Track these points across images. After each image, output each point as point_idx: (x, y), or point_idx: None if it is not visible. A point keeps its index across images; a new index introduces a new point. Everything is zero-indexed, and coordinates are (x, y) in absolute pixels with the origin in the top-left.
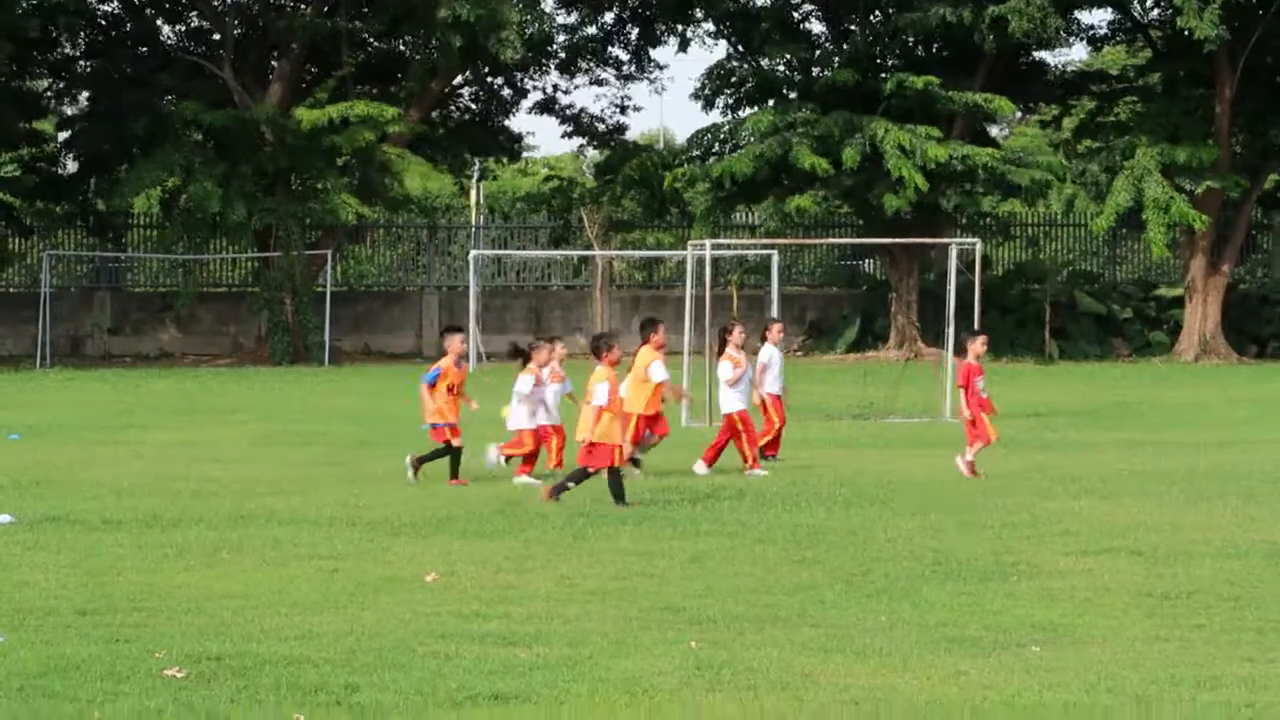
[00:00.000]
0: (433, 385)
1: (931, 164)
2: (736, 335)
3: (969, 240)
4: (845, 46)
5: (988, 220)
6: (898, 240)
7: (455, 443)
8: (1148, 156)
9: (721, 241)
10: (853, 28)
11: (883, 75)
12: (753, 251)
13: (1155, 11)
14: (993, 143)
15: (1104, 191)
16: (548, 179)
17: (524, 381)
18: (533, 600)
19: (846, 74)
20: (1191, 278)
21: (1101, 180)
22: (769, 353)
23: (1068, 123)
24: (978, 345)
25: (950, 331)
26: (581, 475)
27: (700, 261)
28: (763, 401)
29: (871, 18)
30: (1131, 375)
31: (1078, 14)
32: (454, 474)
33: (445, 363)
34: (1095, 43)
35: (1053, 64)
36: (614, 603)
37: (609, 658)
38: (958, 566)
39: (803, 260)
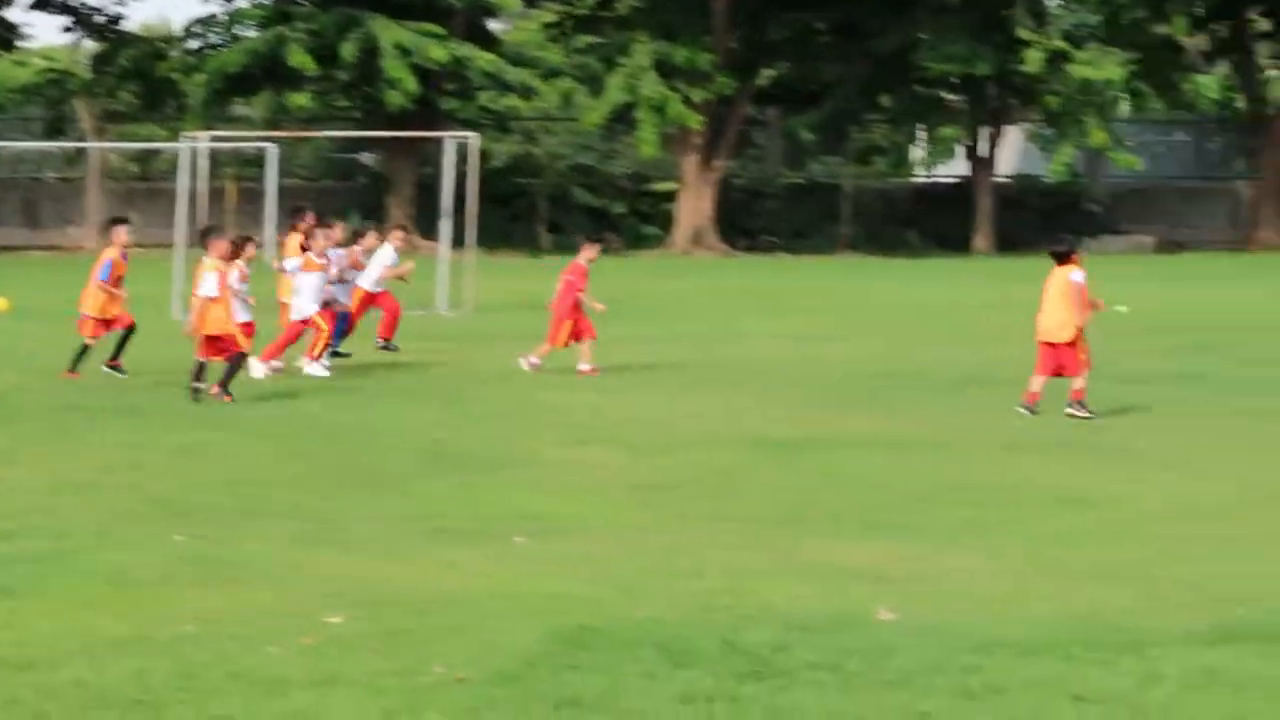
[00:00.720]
0: (108, 279)
1: (431, 64)
2: (336, 233)
3: (467, 134)
4: None
5: (486, 115)
6: (397, 134)
7: (121, 325)
8: (644, 53)
9: (218, 134)
10: None
11: None
12: (250, 145)
13: None
14: (493, 39)
15: (602, 88)
16: (43, 70)
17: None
18: (15, 495)
19: None
20: (684, 172)
21: (601, 75)
22: (389, 254)
23: (566, 17)
24: (591, 252)
25: (445, 224)
26: (236, 365)
27: (195, 154)
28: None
29: None
30: (624, 269)
31: None
32: (73, 367)
33: (114, 254)
34: None
35: None
36: (100, 496)
37: (92, 550)
38: (451, 458)
39: (300, 154)
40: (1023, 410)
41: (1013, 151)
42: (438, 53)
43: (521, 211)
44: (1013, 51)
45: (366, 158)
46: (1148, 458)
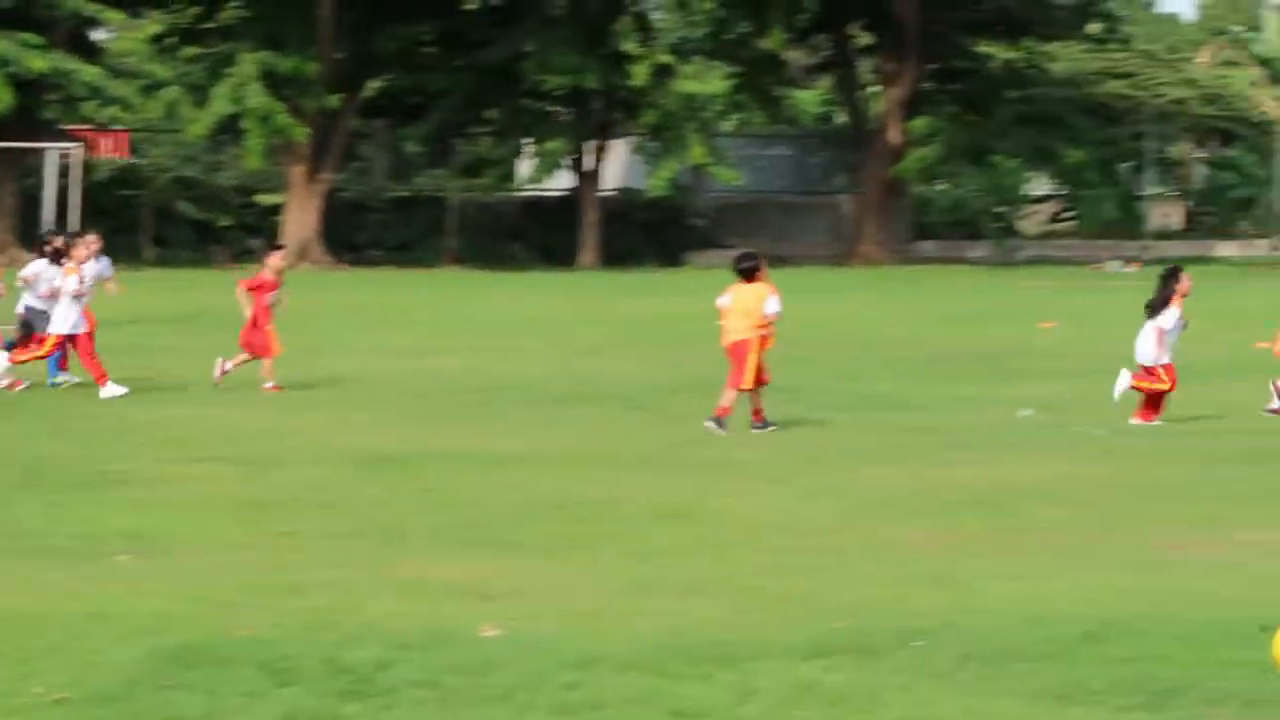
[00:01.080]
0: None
1: (31, 74)
2: (89, 247)
3: (70, 145)
4: None
5: (89, 126)
6: None
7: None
8: (250, 64)
9: None
10: None
11: None
12: None
13: None
14: (97, 49)
15: (208, 99)
16: None
17: (70, 281)
18: None
19: None
20: (291, 185)
21: (206, 86)
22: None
23: (172, 29)
24: (276, 259)
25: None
26: None
27: None
28: None
29: None
30: (230, 283)
31: None
32: None
33: None
34: None
35: None
36: None
37: None
38: (52, 475)
39: None
40: (716, 428)
41: (618, 165)
42: (38, 63)
43: (125, 224)
44: (619, 65)
45: None
46: (749, 471)
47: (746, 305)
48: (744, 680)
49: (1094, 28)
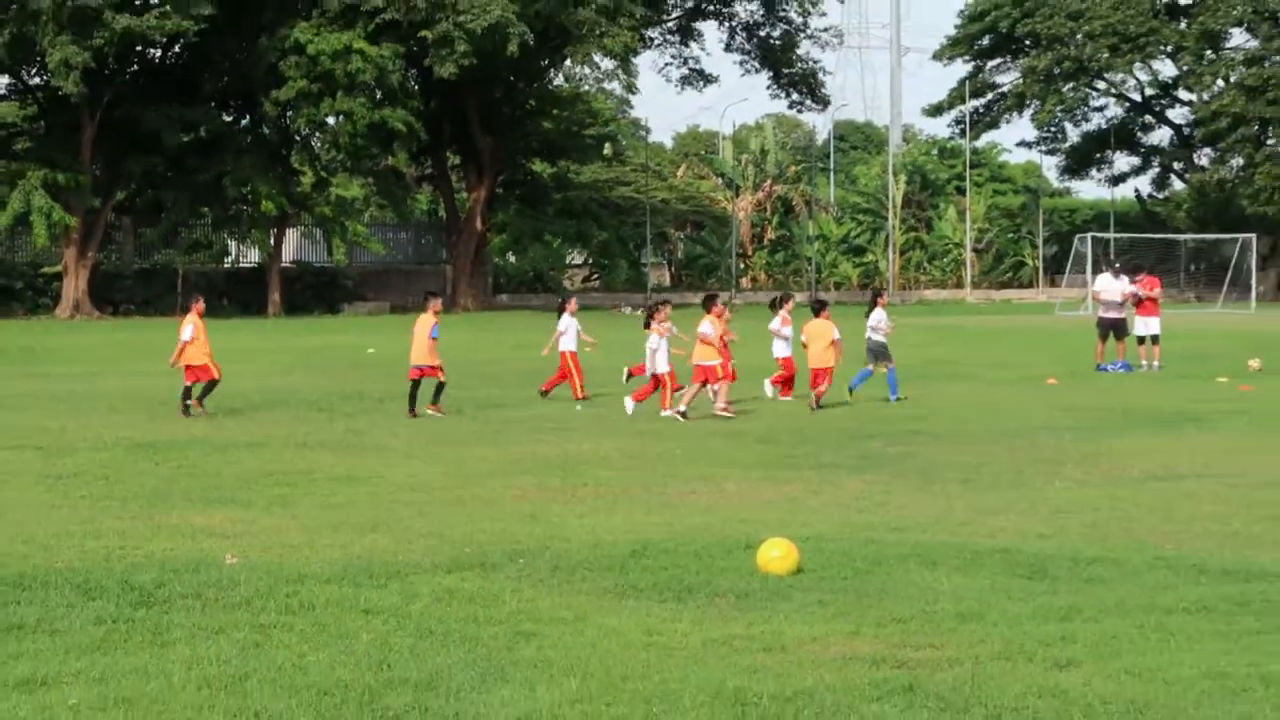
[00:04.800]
0: (435, 339)
1: None
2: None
3: None
4: None
5: None
6: None
7: (442, 377)
8: (35, 178)
9: None
10: None
11: None
12: None
13: (38, 79)
14: None
15: (6, 201)
16: None
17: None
18: None
19: None
20: (66, 261)
21: (7, 195)
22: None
23: None
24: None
25: None
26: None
27: None
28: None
29: None
30: (28, 329)
31: None
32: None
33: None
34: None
35: None
36: None
37: None
38: None
39: None
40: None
41: (292, 245)
42: None
43: None
44: (291, 177)
45: None
46: (396, 450)
47: (818, 335)
48: (408, 588)
49: (607, 152)
